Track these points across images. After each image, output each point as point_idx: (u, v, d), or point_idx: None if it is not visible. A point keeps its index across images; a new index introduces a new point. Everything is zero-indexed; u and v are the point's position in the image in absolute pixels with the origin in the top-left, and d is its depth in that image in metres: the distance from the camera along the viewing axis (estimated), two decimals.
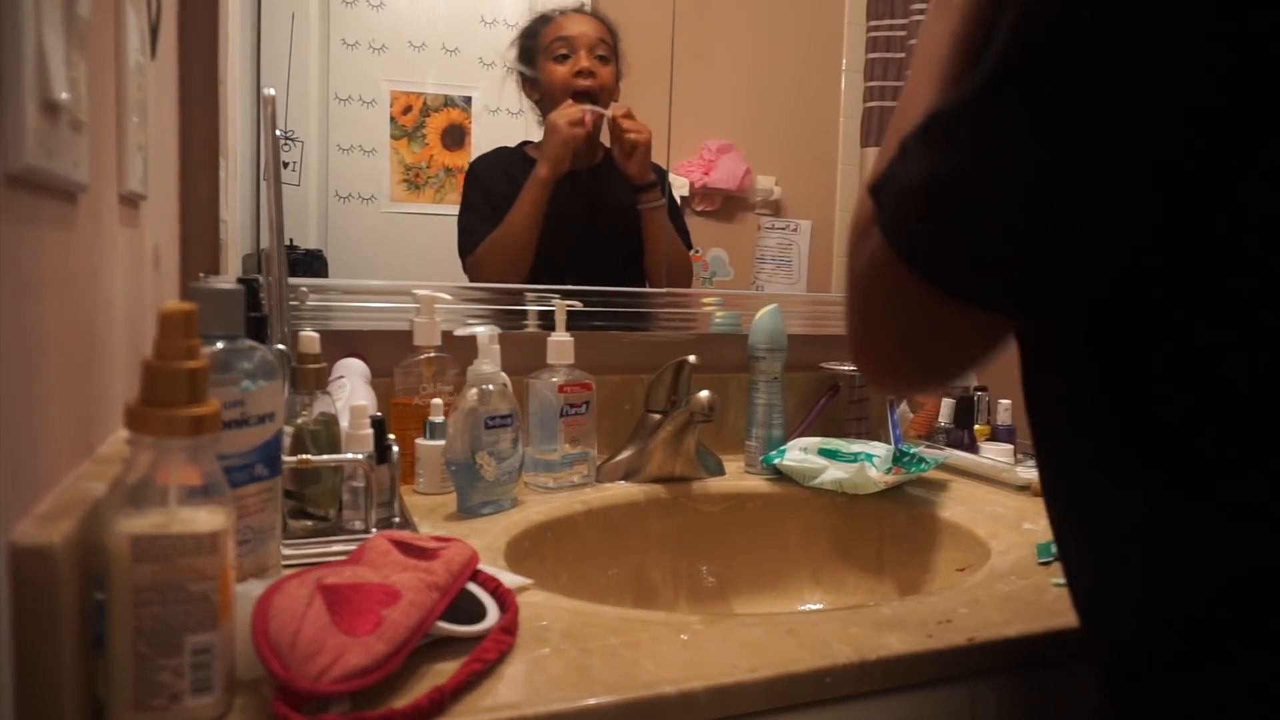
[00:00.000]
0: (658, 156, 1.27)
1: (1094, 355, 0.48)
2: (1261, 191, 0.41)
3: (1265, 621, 0.43)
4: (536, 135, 1.23)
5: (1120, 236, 0.44)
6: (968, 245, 0.46)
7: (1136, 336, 0.46)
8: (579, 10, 1.24)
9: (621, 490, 1.05)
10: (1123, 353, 0.46)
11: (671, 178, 1.29)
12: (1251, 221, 0.42)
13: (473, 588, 0.65)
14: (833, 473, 1.07)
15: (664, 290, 1.28)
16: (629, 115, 1.23)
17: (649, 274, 1.29)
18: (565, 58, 1.22)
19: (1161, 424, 0.45)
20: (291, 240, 1.10)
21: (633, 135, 1.23)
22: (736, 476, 1.14)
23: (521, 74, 1.23)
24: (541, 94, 1.23)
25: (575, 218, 1.27)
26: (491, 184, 1.21)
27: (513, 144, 1.23)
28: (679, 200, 1.31)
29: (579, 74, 1.22)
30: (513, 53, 1.22)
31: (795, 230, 1.38)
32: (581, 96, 1.22)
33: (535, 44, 1.22)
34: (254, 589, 0.54)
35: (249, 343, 0.62)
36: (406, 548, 0.64)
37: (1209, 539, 0.45)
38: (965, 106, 0.45)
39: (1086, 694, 0.71)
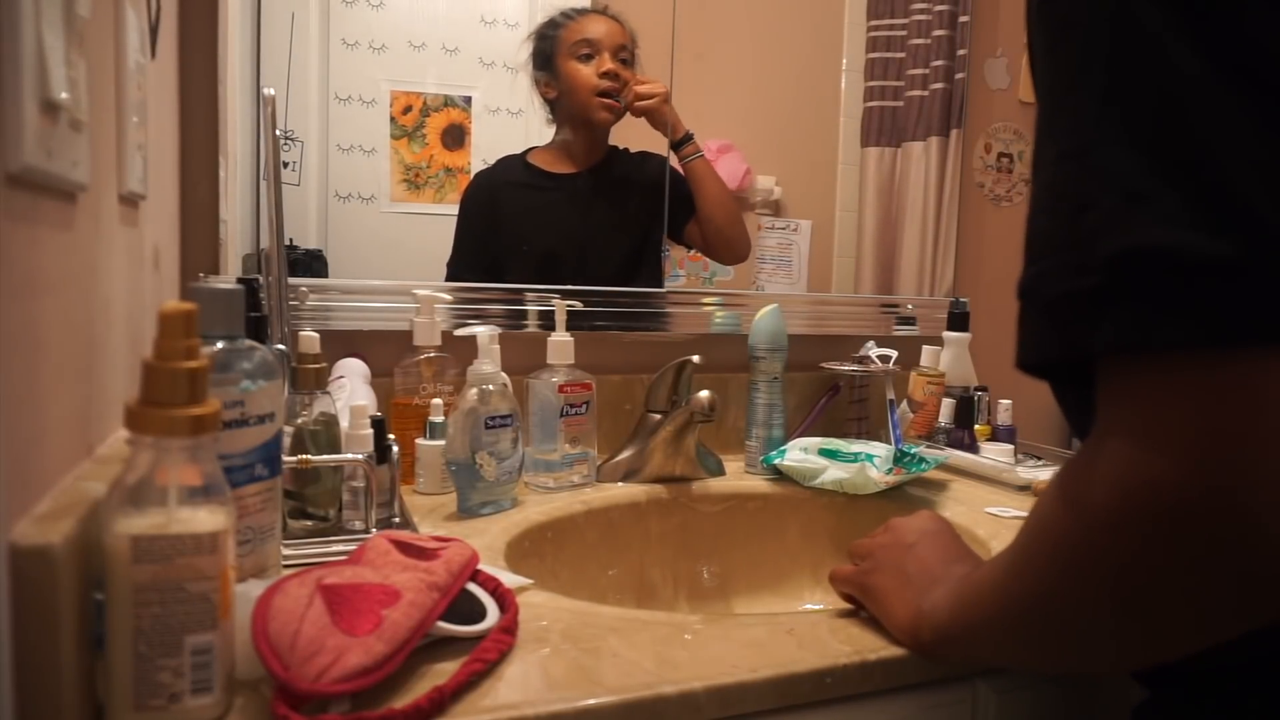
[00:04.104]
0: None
1: None
2: None
3: None
4: (539, 136, 1.23)
5: None
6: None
7: None
8: (599, 11, 1.24)
9: (621, 490, 1.05)
10: None
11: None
12: None
13: (473, 588, 0.65)
14: (833, 473, 1.07)
15: (664, 290, 1.28)
16: (637, 88, 1.24)
17: (705, 226, 1.29)
18: (589, 58, 1.22)
19: None
20: (291, 240, 1.10)
21: (644, 103, 1.24)
22: (736, 476, 1.14)
23: (539, 73, 1.22)
24: (561, 92, 1.23)
25: (579, 217, 1.27)
26: (496, 208, 1.21)
27: (513, 145, 1.22)
28: None
29: (604, 75, 1.22)
30: (525, 51, 1.21)
31: (795, 230, 1.38)
32: (605, 97, 1.23)
33: (553, 43, 1.22)
34: (254, 589, 0.54)
35: (249, 343, 0.62)
36: (406, 548, 0.64)
37: None
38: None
39: (1086, 694, 0.71)
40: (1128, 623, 0.43)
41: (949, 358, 1.30)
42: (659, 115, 1.25)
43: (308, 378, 0.83)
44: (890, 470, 1.07)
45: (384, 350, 1.07)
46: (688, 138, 1.27)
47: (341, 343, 1.06)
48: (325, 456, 0.79)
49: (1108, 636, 0.45)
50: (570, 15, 1.23)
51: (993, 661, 0.63)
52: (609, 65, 1.22)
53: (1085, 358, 0.41)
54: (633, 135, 1.26)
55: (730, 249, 1.33)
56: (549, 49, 1.22)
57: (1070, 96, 0.43)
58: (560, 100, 1.23)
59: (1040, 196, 0.44)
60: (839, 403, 1.34)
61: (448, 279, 1.18)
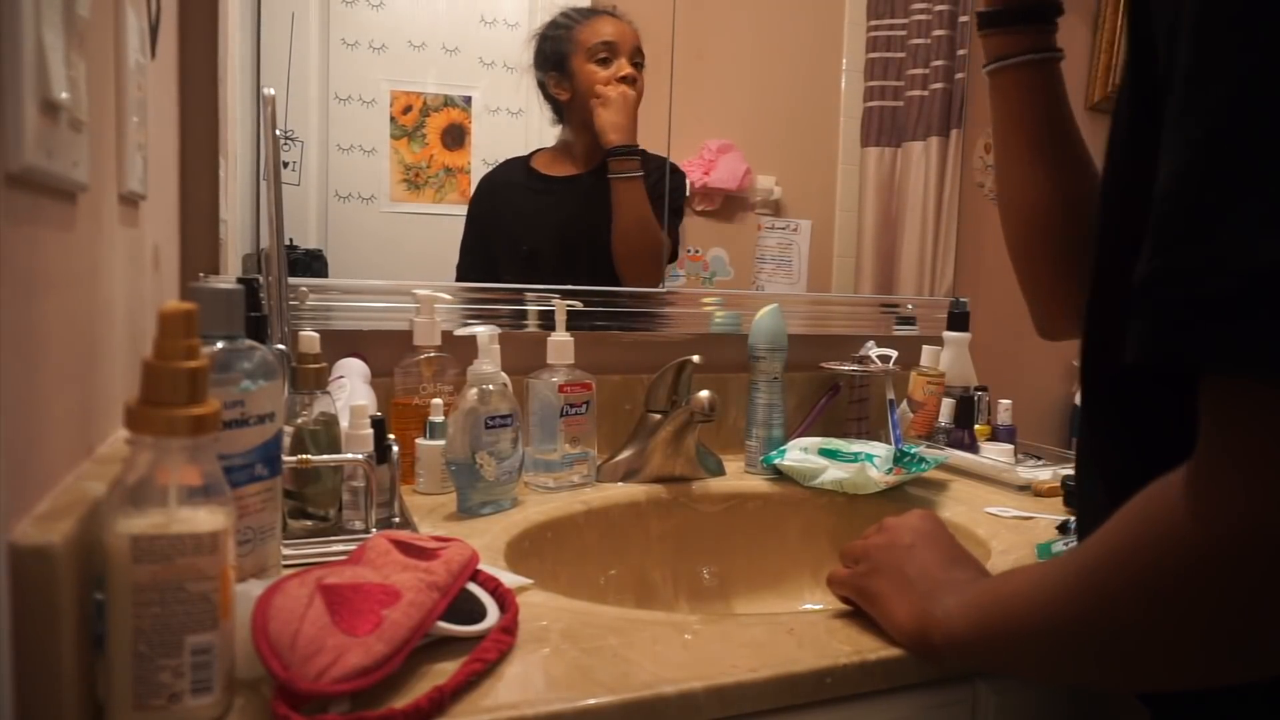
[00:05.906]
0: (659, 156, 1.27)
1: None
2: None
3: None
4: (539, 135, 1.23)
5: None
6: None
7: None
8: (608, 13, 1.24)
9: (621, 490, 1.05)
10: None
11: None
12: None
13: (473, 588, 0.65)
14: (833, 473, 1.07)
15: (664, 290, 1.28)
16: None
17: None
18: (607, 61, 1.22)
19: None
20: (291, 240, 1.10)
21: (596, 101, 1.23)
22: (736, 476, 1.14)
23: (551, 74, 1.22)
24: (575, 95, 1.23)
25: (576, 219, 1.27)
26: (494, 209, 1.21)
27: (513, 145, 1.22)
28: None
29: (623, 79, 1.23)
30: (530, 50, 1.21)
31: (795, 230, 1.38)
32: None
33: (566, 44, 1.22)
34: (254, 589, 0.54)
35: (249, 343, 0.62)
36: (406, 548, 0.64)
37: None
38: None
39: (1085, 694, 0.71)
40: (1217, 652, 0.41)
41: (949, 358, 1.30)
42: (590, 116, 1.23)
43: (308, 378, 0.83)
44: (890, 470, 1.08)
45: (384, 350, 1.07)
46: (621, 151, 1.23)
47: (341, 343, 1.06)
48: (325, 456, 0.80)
49: (1190, 664, 0.43)
50: (576, 16, 1.23)
51: (1019, 673, 0.62)
52: (628, 70, 1.23)
53: (1201, 370, 0.38)
54: (639, 136, 1.25)
55: (623, 277, 1.27)
56: (562, 50, 1.22)
57: (1224, 70, 0.38)
58: (574, 102, 1.23)
59: (1173, 178, 0.39)
60: (839, 403, 1.34)
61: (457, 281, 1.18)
